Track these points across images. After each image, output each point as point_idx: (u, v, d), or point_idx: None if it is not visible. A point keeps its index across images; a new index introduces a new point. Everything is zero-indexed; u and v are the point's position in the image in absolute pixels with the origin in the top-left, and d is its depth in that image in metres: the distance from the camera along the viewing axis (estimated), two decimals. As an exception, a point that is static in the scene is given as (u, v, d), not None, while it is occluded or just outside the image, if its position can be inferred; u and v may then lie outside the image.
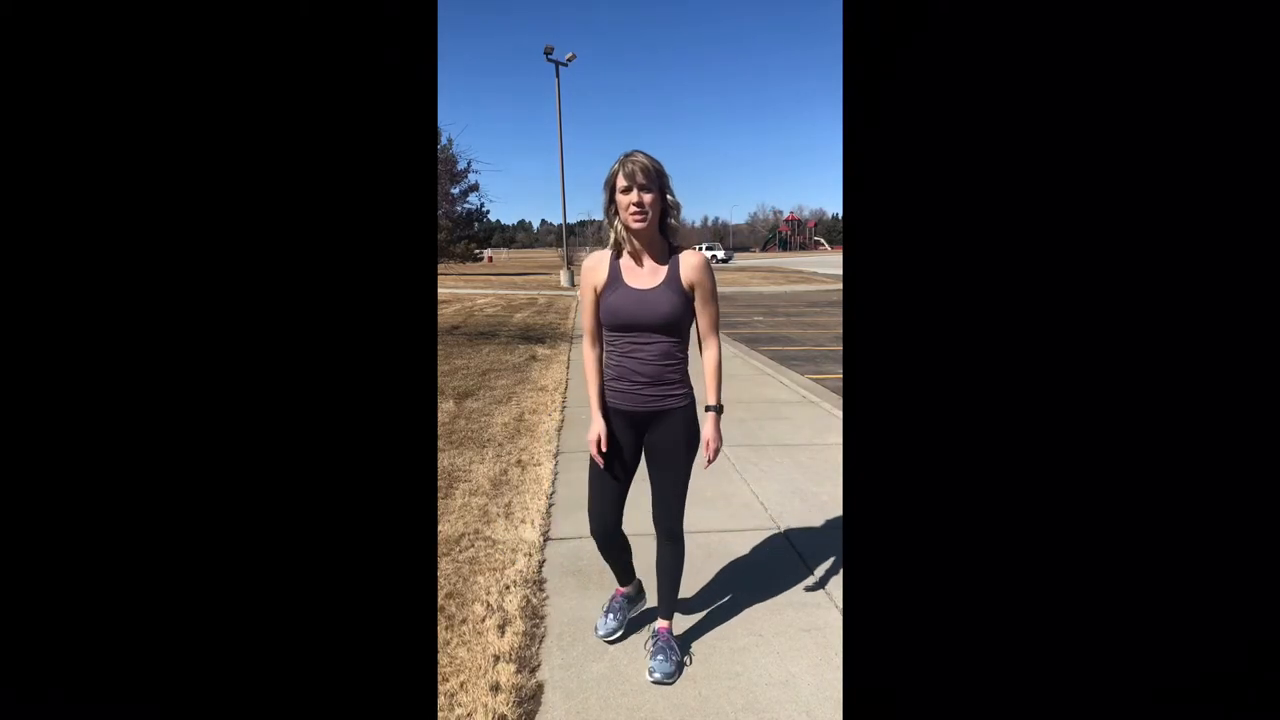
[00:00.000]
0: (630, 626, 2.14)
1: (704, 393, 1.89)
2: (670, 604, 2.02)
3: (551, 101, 21.39)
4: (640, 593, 2.22)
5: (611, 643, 2.08)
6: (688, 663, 1.99)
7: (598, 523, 1.94)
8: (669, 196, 1.76)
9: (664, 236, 1.80)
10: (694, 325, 1.86)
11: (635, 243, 1.77)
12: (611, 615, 2.11)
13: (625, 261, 1.80)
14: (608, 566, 2.12)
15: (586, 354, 1.92)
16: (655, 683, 1.89)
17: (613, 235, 1.79)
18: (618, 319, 1.79)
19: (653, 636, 2.02)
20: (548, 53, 21.03)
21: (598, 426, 1.86)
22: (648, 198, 1.70)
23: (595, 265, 1.84)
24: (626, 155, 1.73)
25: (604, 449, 1.86)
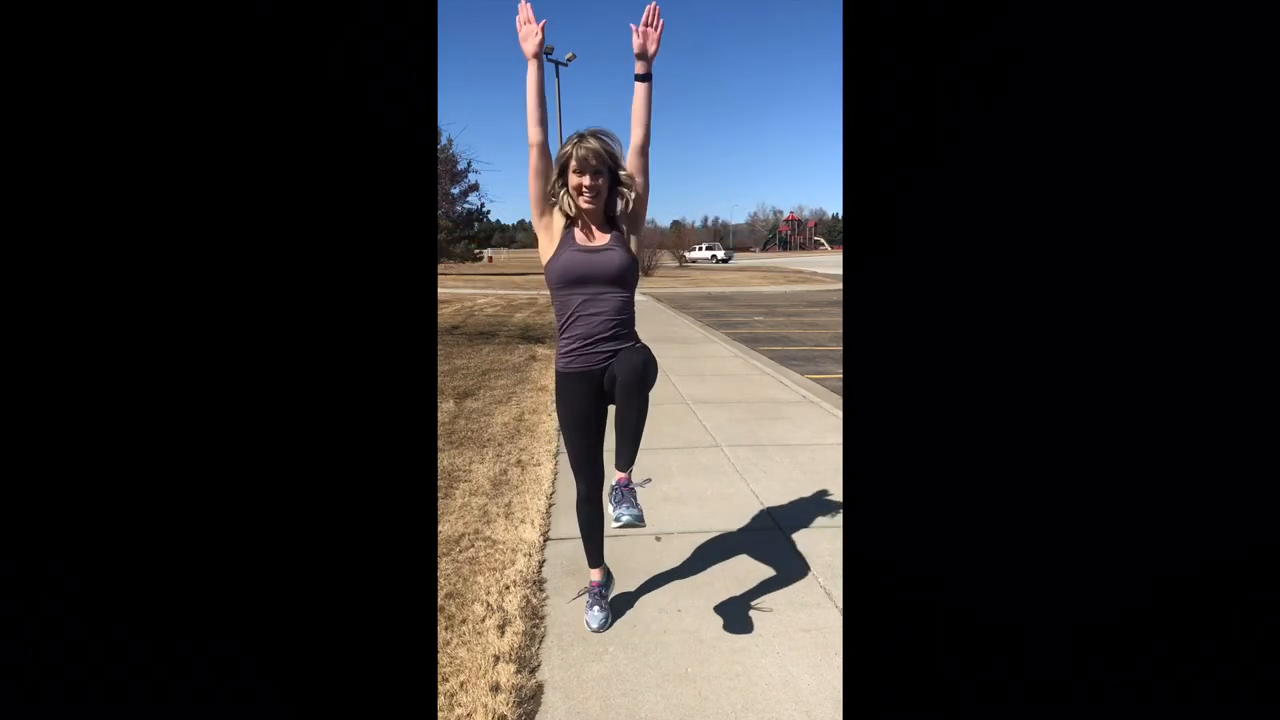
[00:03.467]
0: (612, 611, 2.20)
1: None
2: (631, 456, 1.99)
3: (552, 100, 21.40)
4: (610, 579, 2.27)
5: (605, 634, 2.10)
6: (645, 485, 2.04)
7: (582, 480, 2.03)
8: (620, 174, 1.89)
9: (607, 212, 1.94)
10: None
11: (584, 217, 1.92)
12: (598, 607, 2.15)
13: (577, 229, 1.93)
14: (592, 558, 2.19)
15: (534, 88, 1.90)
16: (624, 526, 1.88)
17: (560, 204, 1.90)
18: (572, 274, 1.89)
19: (614, 489, 2.00)
20: (548, 53, 21.02)
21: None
22: (599, 181, 1.85)
23: (556, 214, 1.94)
24: (580, 138, 1.83)
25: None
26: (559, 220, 1.95)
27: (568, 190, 1.88)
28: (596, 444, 2.06)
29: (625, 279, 1.93)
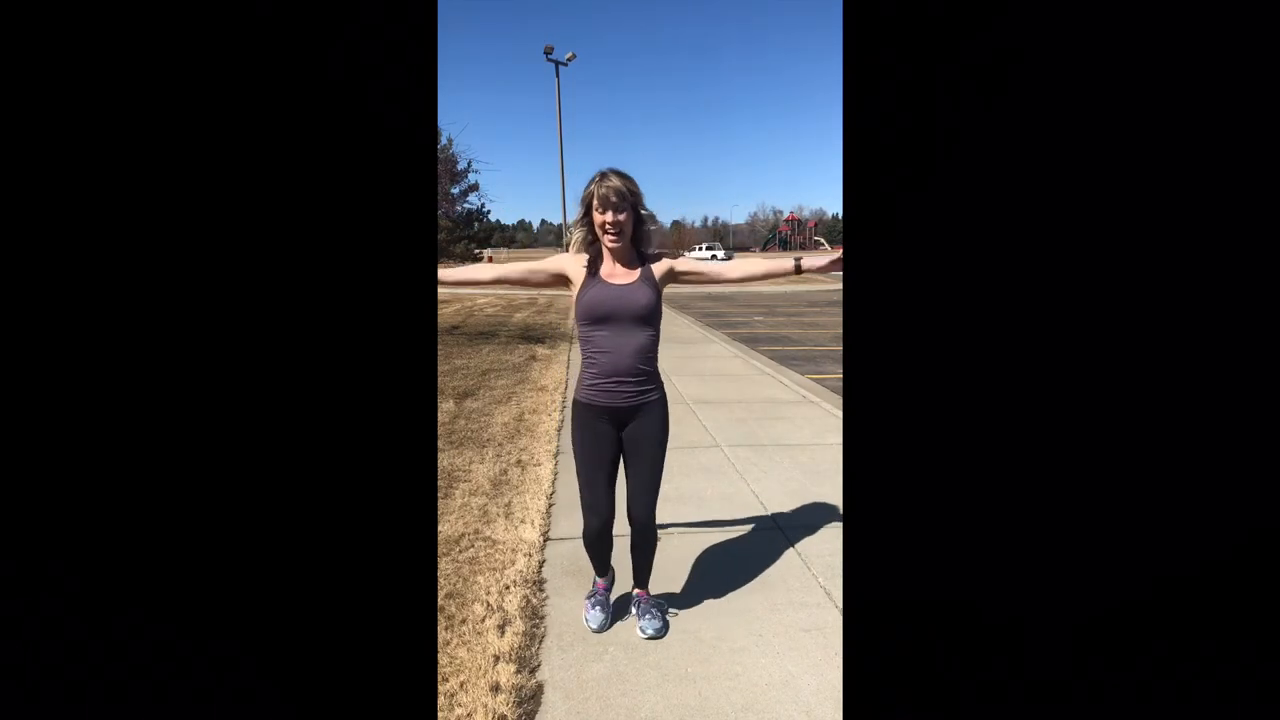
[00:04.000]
0: (613, 612, 2.25)
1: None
2: (646, 575, 2.20)
3: (552, 100, 21.41)
4: (613, 579, 2.33)
5: (604, 635, 2.13)
6: (671, 615, 2.21)
7: (595, 516, 2.06)
8: (641, 212, 1.93)
9: (635, 247, 1.98)
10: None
11: (610, 254, 1.95)
12: (599, 608, 2.18)
13: (602, 267, 1.96)
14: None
15: (489, 270, 2.09)
16: (649, 638, 2.07)
17: (581, 242, 1.95)
18: (599, 311, 1.91)
19: (635, 602, 2.20)
20: (547, 52, 21.03)
21: None
22: (622, 217, 1.87)
23: (574, 261, 1.98)
24: (602, 176, 1.89)
25: None
26: (578, 271, 1.97)
27: (590, 229, 1.92)
28: (611, 474, 2.07)
29: (650, 317, 1.95)
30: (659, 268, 1.99)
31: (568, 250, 2.03)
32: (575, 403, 2.04)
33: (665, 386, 2.11)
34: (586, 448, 2.02)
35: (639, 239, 1.96)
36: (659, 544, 2.73)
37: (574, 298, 1.98)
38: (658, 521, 2.17)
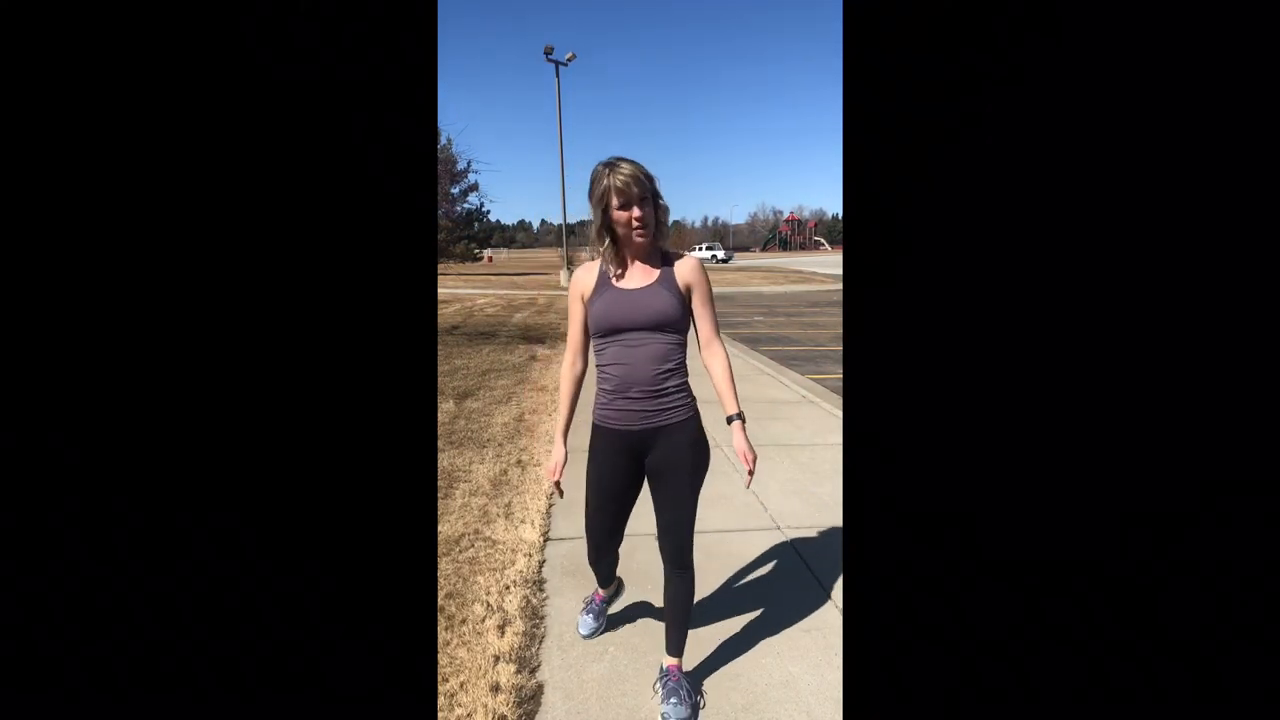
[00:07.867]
0: (609, 621, 2.20)
1: (717, 406, 1.76)
2: (680, 640, 1.79)
3: (552, 100, 21.42)
4: (619, 589, 2.25)
5: (605, 635, 2.13)
6: (702, 704, 1.79)
7: (591, 545, 1.91)
8: (660, 201, 1.66)
9: (656, 244, 1.69)
10: (693, 330, 1.74)
11: (630, 251, 1.67)
12: (592, 615, 2.14)
13: (615, 268, 1.68)
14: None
15: (565, 370, 1.80)
16: None
17: (603, 248, 1.67)
18: (607, 321, 1.64)
19: (663, 677, 1.79)
20: (547, 53, 21.02)
21: (558, 455, 1.80)
22: (646, 210, 1.60)
23: (584, 275, 1.72)
24: (612, 166, 1.59)
25: (560, 479, 1.80)
26: (589, 283, 1.71)
27: (610, 228, 1.62)
28: (618, 509, 1.80)
29: (670, 321, 1.62)
30: (683, 272, 1.67)
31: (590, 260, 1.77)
32: (593, 425, 1.77)
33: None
34: (596, 480, 1.77)
35: (659, 233, 1.66)
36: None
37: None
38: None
